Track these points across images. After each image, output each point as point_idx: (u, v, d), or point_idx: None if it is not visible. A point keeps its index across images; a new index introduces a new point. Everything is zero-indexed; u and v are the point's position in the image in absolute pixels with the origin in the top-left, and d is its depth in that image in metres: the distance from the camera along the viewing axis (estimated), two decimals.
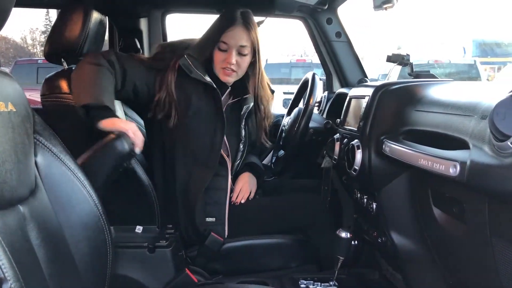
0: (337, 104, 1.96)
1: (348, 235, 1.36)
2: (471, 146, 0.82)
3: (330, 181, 1.60)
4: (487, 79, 10.59)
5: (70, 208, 0.95)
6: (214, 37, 1.54)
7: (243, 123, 1.63)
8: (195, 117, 1.52)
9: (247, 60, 1.56)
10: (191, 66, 1.51)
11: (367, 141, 1.25)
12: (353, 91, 1.51)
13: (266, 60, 8.92)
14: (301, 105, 1.91)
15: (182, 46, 1.58)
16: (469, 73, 9.01)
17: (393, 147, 1.11)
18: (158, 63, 1.55)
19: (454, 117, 0.92)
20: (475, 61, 9.60)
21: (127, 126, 1.29)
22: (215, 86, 1.53)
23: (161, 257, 1.28)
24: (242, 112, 1.61)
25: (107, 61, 1.43)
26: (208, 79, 1.53)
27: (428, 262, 1.19)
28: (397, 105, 1.19)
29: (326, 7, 1.91)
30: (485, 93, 0.94)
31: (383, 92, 1.25)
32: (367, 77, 2.07)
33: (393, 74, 8.72)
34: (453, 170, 0.81)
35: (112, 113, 1.34)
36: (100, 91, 1.35)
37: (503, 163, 0.70)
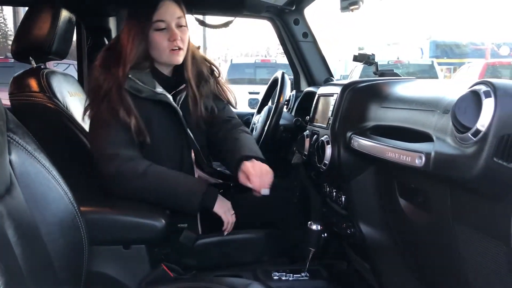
0: (305, 102, 2.01)
1: (319, 228, 1.41)
2: (434, 138, 0.88)
3: (300, 177, 1.66)
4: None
5: (46, 205, 0.95)
6: (144, 25, 1.41)
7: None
8: (159, 141, 1.47)
9: (187, 31, 1.49)
10: (138, 84, 1.42)
11: (336, 136, 1.31)
12: (321, 90, 1.57)
13: (231, 61, 8.97)
14: (270, 103, 1.95)
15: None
16: (427, 73, 9.34)
17: (361, 142, 1.17)
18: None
19: (418, 112, 0.99)
20: (432, 61, 9.98)
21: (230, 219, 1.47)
22: (170, 100, 1.46)
23: (136, 253, 1.29)
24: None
25: (129, 159, 1.40)
26: (159, 90, 1.45)
27: (394, 251, 1.25)
28: (364, 102, 1.25)
29: (293, 8, 1.96)
30: (446, 90, 1.00)
31: (350, 90, 1.31)
32: (333, 76, 2.15)
33: (355, 74, 8.95)
34: (419, 161, 0.87)
35: (214, 191, 1.45)
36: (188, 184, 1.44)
37: (465, 153, 0.77)
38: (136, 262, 1.28)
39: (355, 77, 8.85)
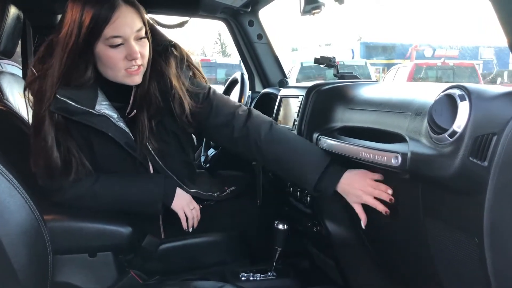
0: (262, 103, 2.04)
1: (285, 227, 1.44)
2: (408, 139, 0.93)
3: (261, 179, 1.67)
4: (376, 79, 11.49)
5: (8, 215, 0.90)
6: (91, 39, 1.16)
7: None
8: (106, 167, 1.31)
9: (147, 43, 1.24)
10: (69, 104, 1.20)
11: (305, 138, 1.33)
12: (284, 92, 1.60)
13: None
14: None
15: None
16: (361, 74, 9.69)
17: (330, 143, 1.20)
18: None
19: (388, 114, 1.04)
20: (365, 62, 10.41)
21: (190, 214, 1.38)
22: (111, 122, 1.26)
23: (103, 261, 1.24)
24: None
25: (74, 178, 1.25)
26: (101, 108, 1.24)
27: (359, 247, 1.30)
28: (330, 104, 1.29)
29: (249, 9, 1.98)
30: (413, 93, 1.06)
31: (316, 92, 1.35)
32: (286, 78, 2.19)
33: (292, 75, 9.15)
34: (395, 161, 0.92)
35: (172, 186, 1.36)
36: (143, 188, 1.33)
37: (442, 153, 0.82)
38: (103, 270, 1.24)
39: (293, 77, 9.04)
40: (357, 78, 1.49)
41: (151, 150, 1.32)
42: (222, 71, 9.16)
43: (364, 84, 1.33)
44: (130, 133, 1.29)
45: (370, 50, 19.38)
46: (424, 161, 0.86)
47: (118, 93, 1.30)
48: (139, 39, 1.22)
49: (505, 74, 13.94)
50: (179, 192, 1.41)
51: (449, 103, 0.82)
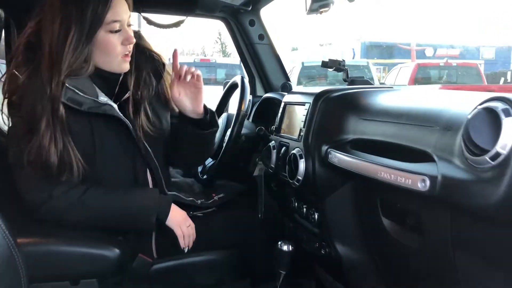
0: (263, 109, 1.90)
1: (290, 248, 1.30)
2: (436, 158, 0.79)
3: (263, 191, 1.54)
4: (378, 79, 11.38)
5: None
6: (94, 25, 1.16)
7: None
8: (105, 162, 1.25)
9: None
10: (78, 94, 1.17)
11: (311, 150, 1.20)
12: (288, 98, 1.46)
13: (168, 60, 8.67)
14: (230, 110, 1.82)
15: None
16: (363, 73, 9.60)
17: (342, 158, 1.07)
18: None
19: (410, 128, 0.90)
20: (367, 62, 10.26)
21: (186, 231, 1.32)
22: (116, 111, 1.24)
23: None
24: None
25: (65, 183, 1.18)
26: (103, 99, 1.22)
27: (372, 272, 1.17)
28: (341, 113, 1.15)
29: (250, 8, 1.84)
30: (439, 102, 0.93)
31: (324, 99, 1.21)
32: (290, 81, 2.05)
33: (293, 75, 9.00)
34: (422, 185, 0.78)
35: (167, 201, 1.31)
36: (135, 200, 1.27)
37: (481, 178, 0.68)
38: None
39: (294, 77, 8.90)
40: (369, 83, 1.36)
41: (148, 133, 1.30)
42: (222, 71, 9.03)
43: (379, 90, 1.19)
44: (128, 122, 1.26)
45: (370, 49, 19.28)
46: (458, 187, 0.73)
47: (106, 83, 1.28)
48: (128, 25, 1.24)
49: (509, 73, 13.81)
50: (174, 207, 1.32)
51: (489, 118, 0.68)
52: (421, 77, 10.46)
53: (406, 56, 17.96)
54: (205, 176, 1.68)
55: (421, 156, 0.84)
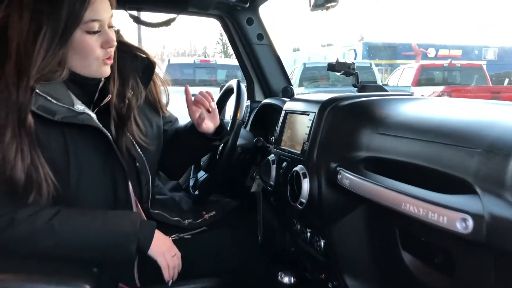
0: (262, 116, 1.73)
1: (292, 280, 1.13)
2: (479, 190, 0.62)
3: (261, 210, 1.37)
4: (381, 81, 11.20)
5: None
6: (70, 24, 1.00)
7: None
8: (80, 182, 1.07)
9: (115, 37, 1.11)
10: (51, 102, 1.01)
11: (316, 168, 1.03)
12: (290, 105, 1.29)
13: (169, 60, 8.52)
14: (228, 117, 1.64)
15: None
16: (365, 75, 9.42)
17: (355, 180, 0.89)
18: None
19: (443, 148, 0.73)
20: (370, 63, 10.07)
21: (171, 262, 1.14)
22: (94, 121, 1.07)
23: None
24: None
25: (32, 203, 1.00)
26: (80, 107, 1.06)
27: None
28: (352, 125, 0.98)
29: (247, 5, 1.67)
30: (480, 116, 0.75)
31: (332, 108, 1.04)
32: (291, 85, 1.88)
33: (295, 76, 8.82)
34: (463, 225, 0.61)
35: (150, 227, 1.13)
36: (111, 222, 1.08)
37: None
38: None
39: (295, 79, 8.71)
40: (383, 89, 1.18)
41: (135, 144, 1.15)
42: (223, 72, 8.85)
43: (399, 99, 1.02)
44: (108, 133, 1.10)
45: (372, 50, 19.10)
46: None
47: (83, 89, 1.11)
48: (110, 27, 1.08)
49: None
50: (158, 234, 1.14)
51: None
52: (424, 78, 10.26)
53: (409, 57, 17.81)
54: (196, 192, 1.51)
55: (457, 185, 0.67)
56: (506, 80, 12.89)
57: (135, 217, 1.12)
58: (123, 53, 1.18)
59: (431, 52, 19.54)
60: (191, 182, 1.58)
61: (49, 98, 1.01)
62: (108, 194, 1.15)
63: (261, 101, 1.79)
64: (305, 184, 1.03)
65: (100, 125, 1.09)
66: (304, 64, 9.44)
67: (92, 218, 1.09)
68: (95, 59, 1.06)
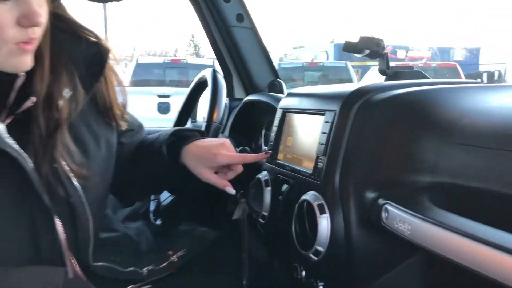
0: (246, 117, 1.35)
1: None
2: None
3: (247, 243, 1.00)
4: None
5: None
6: None
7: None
8: None
9: (46, 9, 0.70)
10: None
11: (341, 198, 0.65)
12: (289, 102, 0.90)
13: (137, 60, 8.09)
14: (200, 119, 1.27)
15: None
16: (342, 75, 9.31)
17: (420, 226, 0.52)
18: None
19: None
20: (346, 63, 9.96)
21: None
22: (2, 142, 0.67)
23: None
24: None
25: None
26: None
27: None
28: (405, 132, 0.61)
29: None
30: None
31: (365, 104, 0.66)
32: (279, 78, 1.51)
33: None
34: None
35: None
36: None
37: None
38: None
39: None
40: (426, 77, 0.82)
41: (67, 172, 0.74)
42: (195, 73, 8.51)
43: (476, 88, 0.65)
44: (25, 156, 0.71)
45: (343, 52, 19.16)
46: None
47: None
48: None
49: (484, 75, 13.85)
50: None
51: None
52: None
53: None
54: (159, 221, 1.12)
55: None
56: (479, 80, 13.07)
57: (56, 275, 0.71)
58: (60, 33, 0.76)
59: (401, 54, 19.82)
60: (152, 207, 1.19)
61: None
62: (24, 243, 0.73)
63: (243, 99, 1.41)
64: (324, 224, 0.66)
65: (12, 143, 0.68)
66: (280, 64, 9.19)
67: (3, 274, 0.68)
68: (4, 43, 0.65)
